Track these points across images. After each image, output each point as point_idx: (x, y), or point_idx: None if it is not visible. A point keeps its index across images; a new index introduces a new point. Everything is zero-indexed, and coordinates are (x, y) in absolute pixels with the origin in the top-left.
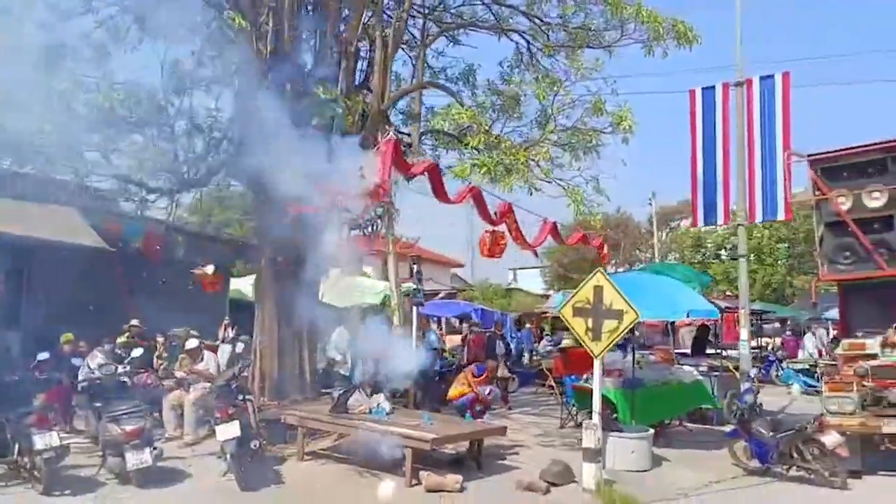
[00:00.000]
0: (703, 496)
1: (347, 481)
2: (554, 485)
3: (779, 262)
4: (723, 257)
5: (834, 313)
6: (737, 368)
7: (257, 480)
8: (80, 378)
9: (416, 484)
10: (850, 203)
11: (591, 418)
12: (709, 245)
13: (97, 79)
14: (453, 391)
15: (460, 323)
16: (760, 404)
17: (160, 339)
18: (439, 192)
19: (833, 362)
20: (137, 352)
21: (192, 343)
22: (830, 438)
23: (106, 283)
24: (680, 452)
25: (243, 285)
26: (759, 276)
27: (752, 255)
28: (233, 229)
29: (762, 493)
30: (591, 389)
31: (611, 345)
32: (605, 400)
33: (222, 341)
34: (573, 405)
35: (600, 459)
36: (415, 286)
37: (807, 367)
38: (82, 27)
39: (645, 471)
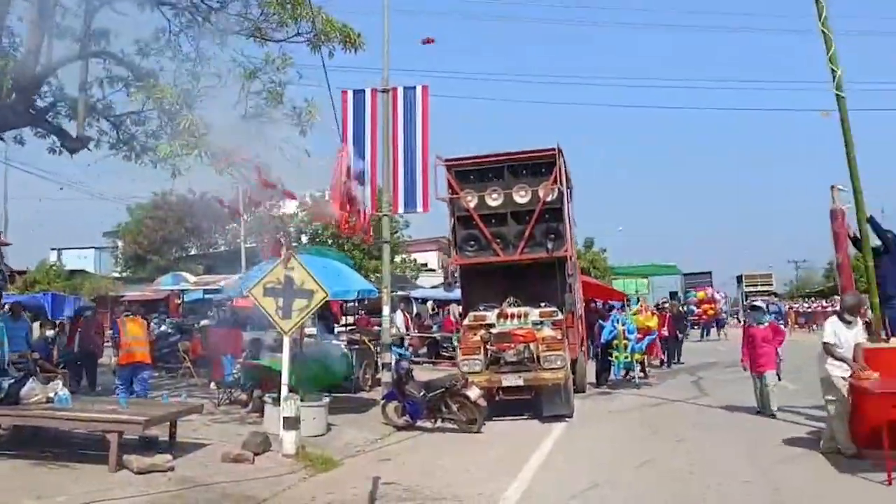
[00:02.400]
0: (376, 450)
1: (35, 475)
2: (257, 454)
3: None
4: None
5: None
6: (371, 342)
7: None
8: None
9: (120, 469)
10: (475, 201)
11: (253, 393)
12: (291, 230)
13: None
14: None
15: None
16: (412, 370)
17: None
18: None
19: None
20: None
21: None
22: (473, 392)
23: None
24: (342, 417)
25: None
26: None
27: (330, 241)
28: None
29: (416, 442)
30: (262, 366)
31: (300, 322)
32: (273, 372)
33: None
34: (238, 382)
35: (299, 427)
36: None
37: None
38: None
39: (322, 435)
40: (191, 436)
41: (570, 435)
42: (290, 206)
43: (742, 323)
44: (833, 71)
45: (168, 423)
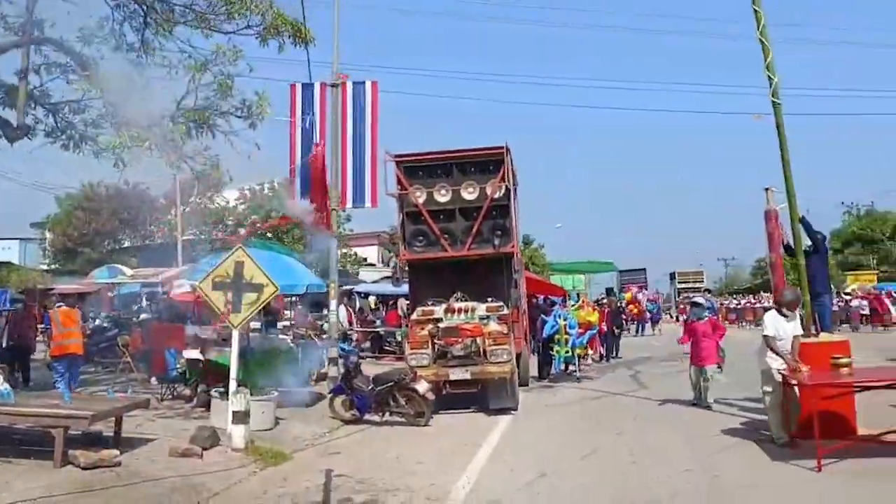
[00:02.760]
0: (325, 444)
1: None
2: (205, 448)
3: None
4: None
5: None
6: (318, 336)
7: None
8: None
9: (65, 464)
10: (424, 197)
11: (198, 388)
12: (230, 222)
13: None
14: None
15: None
16: (360, 364)
17: None
18: None
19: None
20: None
21: None
22: (422, 386)
23: None
24: (288, 411)
25: None
26: None
27: (269, 234)
28: None
29: (364, 435)
30: (206, 360)
31: (250, 316)
32: (220, 367)
33: None
34: (182, 377)
35: (248, 421)
36: None
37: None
38: None
39: (270, 429)
40: (135, 431)
41: (515, 427)
42: (230, 198)
43: (674, 319)
44: (770, 78)
45: (113, 419)
